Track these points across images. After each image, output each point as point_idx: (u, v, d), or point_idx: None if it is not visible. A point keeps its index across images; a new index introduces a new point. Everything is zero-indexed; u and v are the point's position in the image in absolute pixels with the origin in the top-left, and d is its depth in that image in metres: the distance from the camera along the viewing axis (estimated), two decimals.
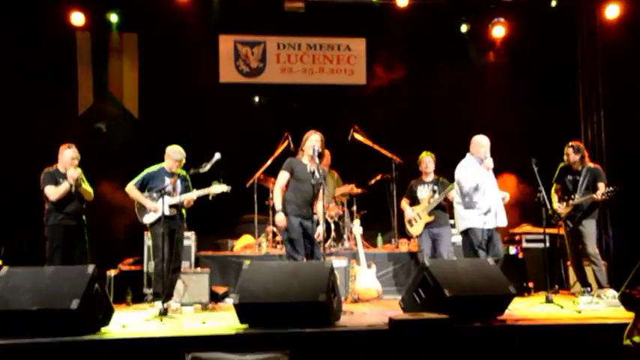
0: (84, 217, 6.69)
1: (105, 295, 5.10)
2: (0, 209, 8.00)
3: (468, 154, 6.60)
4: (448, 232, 7.42)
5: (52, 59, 8.98)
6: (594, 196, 6.77)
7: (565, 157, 7.15)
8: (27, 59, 8.77)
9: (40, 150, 7.34)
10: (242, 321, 4.87)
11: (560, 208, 7.07)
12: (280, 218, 6.03)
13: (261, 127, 9.44)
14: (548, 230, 6.62)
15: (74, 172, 6.46)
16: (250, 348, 4.33)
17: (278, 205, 6.10)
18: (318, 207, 6.17)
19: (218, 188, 6.32)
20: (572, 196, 7.00)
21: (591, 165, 7.15)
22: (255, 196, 8.50)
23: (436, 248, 7.32)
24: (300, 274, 4.96)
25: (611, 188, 6.73)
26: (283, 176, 6.20)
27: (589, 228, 6.97)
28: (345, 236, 8.45)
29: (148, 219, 6.51)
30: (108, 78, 9.65)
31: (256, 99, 10.56)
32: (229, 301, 7.01)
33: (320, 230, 6.10)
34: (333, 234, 8.37)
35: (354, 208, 8.69)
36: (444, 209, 7.44)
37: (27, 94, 8.51)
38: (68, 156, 6.54)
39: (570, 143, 7.14)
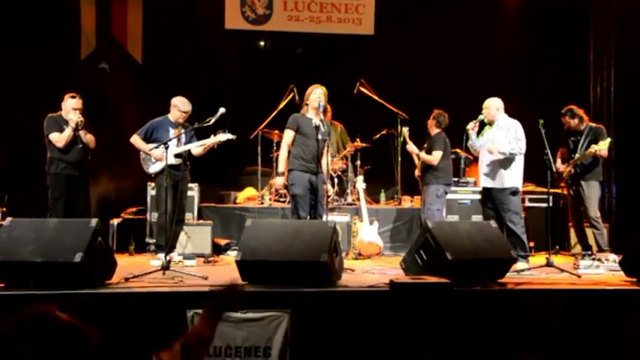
0: (86, 168, 6.67)
1: (108, 249, 5.14)
2: (2, 158, 7.98)
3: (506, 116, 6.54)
4: (430, 192, 7.30)
5: (55, 2, 8.80)
6: (590, 150, 6.69)
7: (565, 124, 7.12)
8: (29, 2, 8.59)
9: (42, 96, 7.28)
10: (244, 278, 4.91)
11: (561, 168, 7.05)
12: (280, 182, 6.13)
13: (267, 77, 9.32)
14: (551, 190, 6.62)
15: (74, 116, 6.41)
16: (251, 305, 4.39)
17: (281, 167, 6.12)
18: (323, 163, 6.16)
19: (224, 136, 6.31)
20: (573, 156, 6.98)
21: (593, 124, 7.12)
22: (259, 148, 8.46)
23: None
24: (303, 233, 4.97)
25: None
26: (289, 134, 6.17)
27: (590, 190, 6.94)
28: (349, 191, 8.45)
29: (153, 168, 6.52)
30: (111, 22, 9.47)
31: (261, 43, 10.41)
32: (231, 254, 7.08)
33: (327, 187, 6.15)
34: (336, 188, 8.36)
35: (358, 162, 8.66)
36: (429, 166, 7.31)
37: (28, 39, 8.36)
38: (70, 106, 6.48)
39: (563, 111, 7.11)
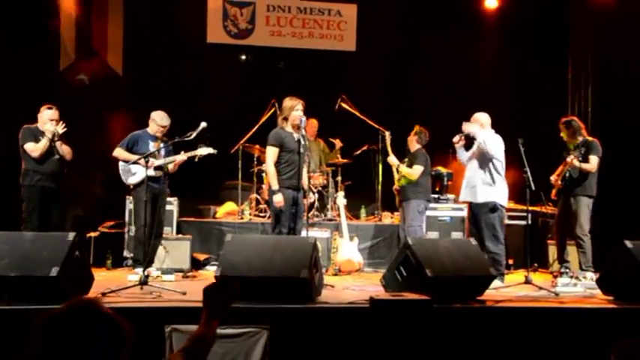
0: (62, 180, 6.60)
1: (85, 263, 5.10)
2: None
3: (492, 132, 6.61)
4: (411, 208, 7.33)
5: (34, 13, 8.75)
6: (567, 159, 6.65)
7: (561, 134, 7.02)
8: (7, 12, 8.53)
9: (19, 108, 7.21)
10: None
11: (554, 181, 7.00)
12: (279, 199, 5.99)
13: (248, 91, 9.35)
14: (530, 208, 6.67)
15: (51, 126, 6.36)
16: (231, 322, 4.37)
17: (275, 185, 6.04)
18: (304, 176, 6.19)
19: (205, 150, 6.32)
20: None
21: (589, 138, 6.96)
22: (240, 163, 8.45)
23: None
24: (283, 248, 4.98)
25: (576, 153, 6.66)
26: (274, 151, 6.14)
27: (578, 204, 6.81)
28: (329, 206, 8.48)
29: (132, 180, 6.49)
30: (91, 34, 9.44)
31: (243, 57, 10.45)
32: (210, 269, 7.06)
33: (307, 200, 6.23)
34: (316, 204, 8.39)
35: (339, 178, 8.70)
36: (409, 182, 7.36)
37: (6, 50, 8.30)
38: (47, 117, 6.43)
39: (562, 120, 7.05)
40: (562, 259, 7.11)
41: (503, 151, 6.57)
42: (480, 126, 6.58)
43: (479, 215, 6.48)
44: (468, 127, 6.55)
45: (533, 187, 6.34)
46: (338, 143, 8.88)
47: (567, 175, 6.90)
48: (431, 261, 5.08)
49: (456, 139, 6.69)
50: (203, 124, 6.03)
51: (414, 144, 7.55)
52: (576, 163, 6.69)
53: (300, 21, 10.07)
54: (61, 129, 6.41)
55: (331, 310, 4.78)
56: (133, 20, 9.43)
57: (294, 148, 6.11)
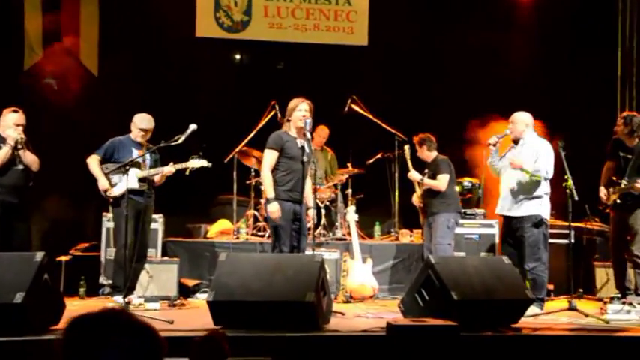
0: (27, 194, 6.60)
1: (55, 288, 5.12)
2: None
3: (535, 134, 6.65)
4: (440, 223, 7.38)
5: None
6: (636, 185, 6.53)
7: (615, 129, 6.85)
8: None
9: None
10: (216, 322, 4.90)
11: (605, 195, 6.82)
12: (274, 209, 5.98)
13: (244, 93, 9.42)
14: (573, 224, 6.65)
15: (14, 133, 6.37)
16: None
17: (270, 193, 6.05)
18: (306, 187, 6.20)
19: (197, 162, 6.36)
20: (620, 181, 6.71)
21: None
22: (235, 174, 8.49)
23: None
24: (286, 268, 5.00)
25: None
26: (272, 156, 6.15)
27: (638, 220, 6.70)
28: (338, 224, 8.50)
29: (113, 192, 6.50)
30: (61, 27, 9.54)
31: (237, 57, 10.52)
32: (201, 297, 7.07)
33: (311, 214, 6.21)
34: (323, 221, 8.40)
35: (349, 191, 8.73)
36: (436, 193, 7.43)
37: None
38: (11, 121, 6.46)
39: (623, 113, 6.94)
40: (623, 287, 6.97)
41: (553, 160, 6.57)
42: (526, 127, 6.60)
43: (520, 230, 6.48)
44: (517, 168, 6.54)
45: (576, 198, 6.34)
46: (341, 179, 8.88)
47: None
48: (457, 282, 5.10)
49: (493, 140, 6.69)
50: (192, 127, 6.08)
51: (426, 154, 7.62)
52: None
53: (304, 11, 10.16)
54: (21, 137, 6.41)
55: (342, 339, 4.80)
56: (110, 12, 9.51)
57: (295, 155, 6.13)
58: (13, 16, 9.14)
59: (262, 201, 8.13)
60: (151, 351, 1.77)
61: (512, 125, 6.68)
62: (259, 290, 4.87)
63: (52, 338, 4.61)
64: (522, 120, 6.66)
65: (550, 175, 6.49)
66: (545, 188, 6.54)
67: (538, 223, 6.48)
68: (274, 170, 6.14)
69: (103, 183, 6.48)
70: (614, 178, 6.84)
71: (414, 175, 7.59)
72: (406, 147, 7.89)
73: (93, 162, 6.55)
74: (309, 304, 4.73)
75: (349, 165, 8.88)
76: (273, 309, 4.79)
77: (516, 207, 6.56)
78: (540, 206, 6.52)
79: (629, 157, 6.75)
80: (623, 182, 6.70)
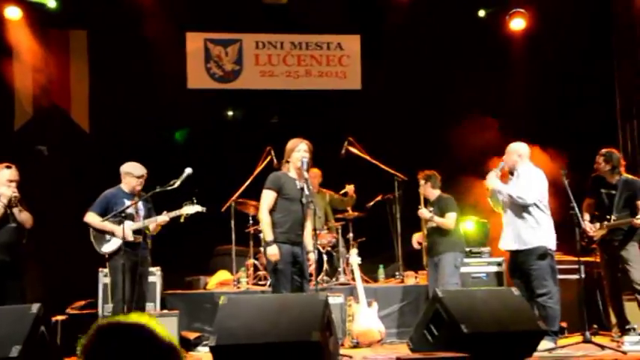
0: (20, 253, 6.59)
1: (52, 341, 5.09)
2: None
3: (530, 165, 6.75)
4: (448, 262, 7.39)
5: None
6: (635, 221, 6.63)
7: (595, 166, 7.05)
8: None
9: None
10: None
11: (592, 229, 6.95)
12: (273, 252, 5.99)
13: (238, 141, 9.51)
14: (583, 259, 6.65)
15: (8, 191, 6.42)
16: None
17: (269, 235, 6.06)
18: (306, 230, 6.21)
19: (191, 208, 6.38)
20: (608, 217, 6.89)
21: (629, 177, 7.02)
22: (233, 223, 8.51)
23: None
24: (289, 308, 4.98)
25: None
26: (270, 196, 6.17)
27: (630, 253, 6.83)
28: (341, 269, 8.48)
29: (107, 247, 6.52)
30: (51, 86, 9.66)
31: (230, 113, 10.65)
32: (202, 350, 7.00)
33: (312, 257, 6.18)
34: (325, 266, 8.38)
35: (350, 235, 8.73)
36: (442, 233, 7.45)
37: None
38: (4, 177, 6.50)
39: (602, 150, 7.08)
40: (623, 321, 6.98)
41: (546, 188, 6.63)
42: (519, 157, 6.69)
43: (526, 264, 6.50)
44: (490, 183, 6.69)
45: (583, 225, 6.37)
46: (351, 190, 8.94)
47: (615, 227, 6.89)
48: (467, 315, 5.08)
49: (491, 177, 6.77)
50: (188, 170, 6.14)
51: (429, 191, 7.63)
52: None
53: (295, 58, 10.34)
54: (15, 194, 6.43)
55: None
56: (100, 68, 9.71)
57: (294, 196, 6.15)
58: (3, 75, 9.27)
59: (262, 249, 8.16)
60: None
61: (506, 156, 6.80)
62: (263, 332, 4.82)
63: None
64: (515, 150, 6.76)
65: (528, 199, 6.50)
66: (542, 217, 6.58)
67: (543, 254, 6.51)
68: (272, 212, 6.16)
69: (113, 228, 6.46)
70: (596, 213, 7.05)
71: (424, 212, 7.57)
72: (422, 181, 7.71)
73: (93, 219, 6.56)
74: (315, 343, 4.68)
75: (349, 209, 8.91)
76: (278, 351, 4.73)
77: (519, 240, 6.60)
78: (543, 237, 6.55)
79: (613, 192, 6.94)
80: (613, 218, 6.86)
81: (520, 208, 6.61)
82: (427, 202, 7.64)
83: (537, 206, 6.58)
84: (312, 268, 6.30)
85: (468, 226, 8.66)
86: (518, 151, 6.75)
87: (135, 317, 1.96)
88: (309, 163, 6.22)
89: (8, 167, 6.59)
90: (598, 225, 6.97)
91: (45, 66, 9.47)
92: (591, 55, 9.80)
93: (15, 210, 6.51)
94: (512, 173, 6.76)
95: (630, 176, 7.09)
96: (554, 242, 6.65)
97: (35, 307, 4.91)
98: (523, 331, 5.28)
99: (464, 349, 4.71)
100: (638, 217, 6.64)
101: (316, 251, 6.51)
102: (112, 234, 6.50)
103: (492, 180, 6.71)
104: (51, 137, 9.57)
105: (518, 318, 5.32)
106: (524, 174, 6.67)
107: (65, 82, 9.74)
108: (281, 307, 5.01)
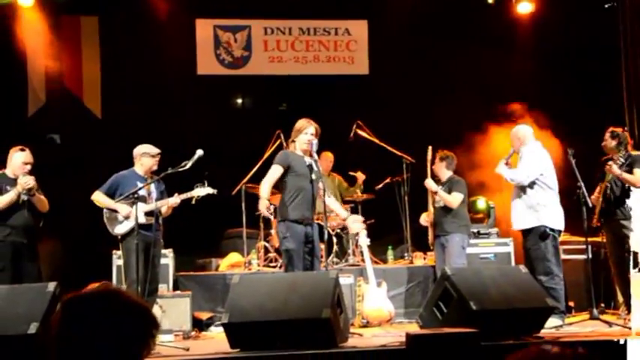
0: (36, 235, 6.67)
1: None
2: None
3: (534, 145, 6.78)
4: (455, 243, 7.40)
5: None
6: (606, 166, 6.57)
7: (602, 144, 6.96)
8: None
9: None
10: (233, 345, 4.91)
11: (594, 199, 6.83)
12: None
13: (248, 126, 9.52)
14: (590, 239, 6.66)
15: (25, 180, 6.46)
16: None
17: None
18: (319, 207, 6.23)
19: (202, 190, 6.39)
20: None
21: (635, 152, 6.91)
22: (243, 206, 8.54)
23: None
24: (300, 286, 5.02)
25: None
26: (276, 171, 6.19)
27: (635, 224, 6.66)
28: (350, 250, 8.51)
29: (120, 229, 6.54)
30: (64, 73, 9.69)
31: (239, 101, 10.67)
32: (215, 330, 7.06)
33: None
34: (335, 248, 8.41)
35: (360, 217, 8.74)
36: (449, 213, 7.45)
37: None
38: (19, 160, 6.55)
39: (610, 128, 7.00)
40: (629, 297, 6.96)
41: (551, 166, 6.63)
42: (518, 140, 6.70)
43: (528, 243, 6.51)
44: (497, 170, 6.80)
45: (590, 204, 6.36)
46: (360, 176, 8.99)
47: (609, 191, 6.82)
48: (475, 292, 5.11)
49: (502, 162, 6.83)
50: (199, 152, 6.15)
51: (442, 171, 7.61)
52: (616, 169, 6.55)
53: (304, 43, 10.33)
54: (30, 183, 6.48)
55: (361, 354, 4.79)
56: (112, 54, 9.74)
57: (303, 173, 6.15)
58: (15, 63, 9.30)
59: (272, 232, 8.20)
60: (143, 327, 1.87)
61: (511, 142, 6.84)
62: (275, 310, 4.88)
63: None
64: (514, 135, 6.85)
65: (520, 178, 6.56)
66: (544, 197, 6.58)
67: (543, 234, 6.51)
68: (283, 191, 6.20)
69: (123, 209, 6.47)
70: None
71: (430, 183, 7.51)
72: (429, 148, 7.65)
73: (100, 196, 6.56)
74: (325, 320, 4.73)
75: (358, 191, 8.93)
76: (289, 328, 4.79)
77: (520, 219, 6.62)
78: (543, 217, 6.55)
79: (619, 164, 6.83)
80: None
81: (521, 189, 6.65)
82: (438, 183, 7.66)
83: (540, 186, 6.58)
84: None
85: (477, 204, 8.67)
86: (517, 134, 6.81)
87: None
88: (317, 144, 6.24)
89: (22, 150, 6.64)
90: (596, 194, 6.88)
91: (57, 52, 9.48)
92: (598, 38, 9.74)
93: (34, 198, 6.55)
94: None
95: (636, 152, 7.00)
96: (559, 222, 6.63)
97: (52, 286, 4.98)
98: (531, 308, 5.31)
99: (472, 326, 4.73)
100: (610, 163, 6.58)
101: (326, 232, 6.55)
102: (116, 211, 6.50)
103: (498, 167, 6.75)
104: (64, 123, 9.62)
105: (526, 295, 5.36)
106: (525, 155, 6.71)
107: (77, 69, 9.76)
108: (292, 285, 5.06)
